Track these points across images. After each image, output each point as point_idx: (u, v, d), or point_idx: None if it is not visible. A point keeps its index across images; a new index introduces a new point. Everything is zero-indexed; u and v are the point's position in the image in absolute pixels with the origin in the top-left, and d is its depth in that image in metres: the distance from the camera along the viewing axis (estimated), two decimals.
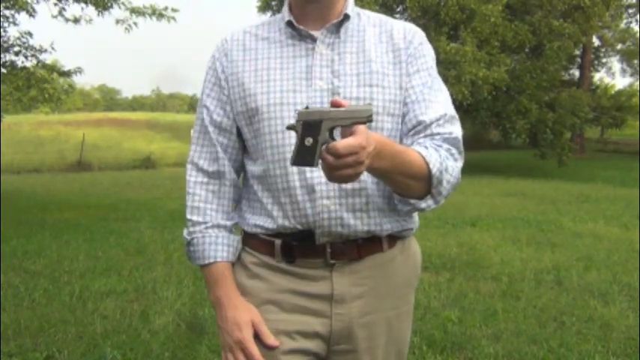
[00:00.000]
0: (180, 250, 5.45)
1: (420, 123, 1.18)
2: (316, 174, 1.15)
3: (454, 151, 1.18)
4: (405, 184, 1.12)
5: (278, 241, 1.21)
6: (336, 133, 1.00)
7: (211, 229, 1.26)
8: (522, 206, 9.06)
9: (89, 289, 4.10)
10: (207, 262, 1.24)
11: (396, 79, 1.21)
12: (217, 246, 1.25)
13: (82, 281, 4.34)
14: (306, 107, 0.98)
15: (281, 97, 1.18)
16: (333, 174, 0.96)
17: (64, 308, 3.67)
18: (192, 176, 1.29)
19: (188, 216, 1.28)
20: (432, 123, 1.18)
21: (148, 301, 3.84)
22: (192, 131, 1.35)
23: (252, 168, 1.25)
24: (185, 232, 1.29)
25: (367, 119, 0.98)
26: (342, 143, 0.93)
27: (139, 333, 3.22)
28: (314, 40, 1.21)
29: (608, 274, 4.54)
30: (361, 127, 0.97)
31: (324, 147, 0.97)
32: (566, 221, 7.35)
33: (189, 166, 1.31)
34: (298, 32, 1.22)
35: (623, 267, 4.82)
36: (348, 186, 1.16)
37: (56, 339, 3.13)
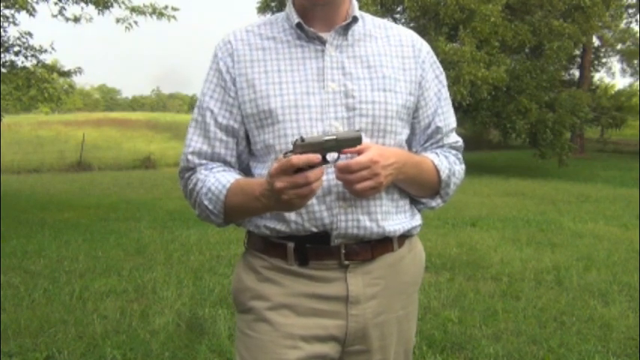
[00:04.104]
0: (181, 251, 5.46)
1: (437, 132, 1.30)
2: (332, 176, 1.15)
3: (460, 156, 1.34)
4: (420, 188, 1.27)
5: (291, 244, 1.20)
6: (329, 157, 1.07)
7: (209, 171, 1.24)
8: (522, 206, 9.06)
9: (89, 289, 4.10)
10: (222, 196, 1.18)
11: (407, 85, 1.24)
12: (222, 177, 1.20)
13: (82, 281, 4.33)
14: (301, 139, 1.02)
15: (295, 100, 1.17)
16: (354, 188, 1.10)
17: (64, 308, 3.66)
18: (190, 170, 1.25)
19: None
20: (445, 134, 1.31)
21: (148, 301, 3.83)
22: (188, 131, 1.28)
23: (262, 172, 1.21)
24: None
25: (355, 145, 1.08)
26: (353, 160, 1.08)
27: (138, 333, 3.22)
28: (322, 42, 1.20)
29: (608, 274, 4.54)
30: (372, 145, 1.12)
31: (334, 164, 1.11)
32: (566, 221, 7.35)
33: (184, 168, 1.25)
34: (306, 34, 1.21)
35: (623, 267, 4.82)
36: None
37: (56, 339, 3.13)
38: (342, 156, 1.14)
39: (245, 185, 1.17)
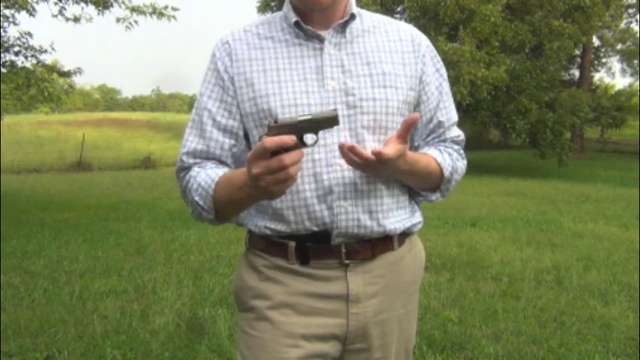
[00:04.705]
0: (181, 250, 5.46)
1: (439, 126, 1.29)
2: (332, 175, 1.16)
3: (462, 151, 1.33)
4: (421, 183, 1.26)
5: (292, 243, 1.20)
6: (306, 138, 1.03)
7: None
8: (522, 206, 9.06)
9: (89, 289, 4.10)
10: (211, 190, 1.16)
11: (407, 80, 1.23)
12: (212, 172, 1.19)
13: (82, 281, 4.33)
14: (275, 121, 1.00)
15: (294, 99, 1.17)
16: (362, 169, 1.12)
17: (64, 308, 3.66)
18: (185, 168, 1.24)
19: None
20: (447, 128, 1.30)
21: (148, 301, 3.83)
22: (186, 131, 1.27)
23: None
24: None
25: (333, 125, 1.02)
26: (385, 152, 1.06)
27: (138, 333, 3.22)
28: (321, 40, 1.20)
29: (608, 274, 4.54)
30: (405, 150, 1.10)
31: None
32: (566, 221, 7.35)
33: (179, 168, 1.25)
34: (305, 32, 1.20)
35: (623, 267, 4.82)
36: (364, 187, 1.18)
37: (56, 339, 3.13)
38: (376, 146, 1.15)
39: (230, 176, 1.15)
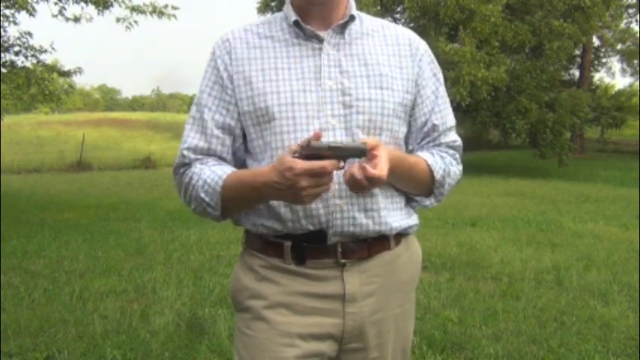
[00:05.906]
0: (181, 250, 5.46)
1: (434, 130, 1.29)
2: None
3: (458, 156, 1.32)
4: (412, 187, 1.26)
5: (288, 243, 1.20)
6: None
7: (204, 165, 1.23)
8: (522, 206, 9.06)
9: (89, 289, 4.10)
10: (219, 187, 1.17)
11: (403, 83, 1.24)
12: (217, 169, 1.20)
13: (82, 281, 4.33)
14: (308, 144, 1.06)
15: (292, 97, 1.18)
16: (359, 192, 1.13)
17: (64, 308, 3.66)
18: (184, 165, 1.25)
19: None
20: (442, 132, 1.29)
21: (148, 301, 3.83)
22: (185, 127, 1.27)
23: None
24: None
25: (360, 156, 1.07)
26: (370, 173, 1.04)
27: (138, 333, 3.22)
28: (320, 40, 1.21)
29: (608, 274, 4.54)
30: (383, 152, 1.07)
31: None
32: (566, 221, 7.35)
33: (180, 164, 1.25)
34: (304, 32, 1.21)
35: (623, 267, 4.82)
36: None
37: (56, 339, 3.13)
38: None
39: (242, 175, 1.18)
